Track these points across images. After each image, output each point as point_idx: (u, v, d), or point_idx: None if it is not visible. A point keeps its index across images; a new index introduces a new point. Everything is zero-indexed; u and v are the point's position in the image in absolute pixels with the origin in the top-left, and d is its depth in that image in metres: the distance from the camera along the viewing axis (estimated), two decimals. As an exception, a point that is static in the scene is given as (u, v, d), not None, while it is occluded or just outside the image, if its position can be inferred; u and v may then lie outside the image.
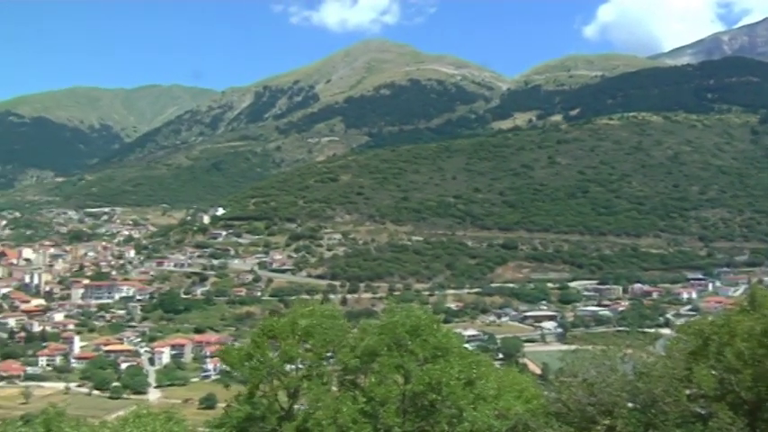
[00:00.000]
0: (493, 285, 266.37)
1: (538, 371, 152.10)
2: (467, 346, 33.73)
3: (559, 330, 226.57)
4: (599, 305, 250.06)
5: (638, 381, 24.91)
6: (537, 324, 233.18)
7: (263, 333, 30.19)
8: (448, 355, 27.33)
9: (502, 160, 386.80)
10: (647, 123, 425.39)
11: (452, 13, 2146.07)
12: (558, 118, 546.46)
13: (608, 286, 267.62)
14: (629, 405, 24.61)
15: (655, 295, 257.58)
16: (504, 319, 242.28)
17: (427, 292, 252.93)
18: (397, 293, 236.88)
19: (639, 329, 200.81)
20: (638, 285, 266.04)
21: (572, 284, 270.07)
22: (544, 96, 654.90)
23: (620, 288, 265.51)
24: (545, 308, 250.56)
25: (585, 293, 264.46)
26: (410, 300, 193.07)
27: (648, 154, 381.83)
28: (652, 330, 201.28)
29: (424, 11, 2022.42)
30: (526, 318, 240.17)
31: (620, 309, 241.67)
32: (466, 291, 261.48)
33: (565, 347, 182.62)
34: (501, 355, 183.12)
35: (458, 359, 27.21)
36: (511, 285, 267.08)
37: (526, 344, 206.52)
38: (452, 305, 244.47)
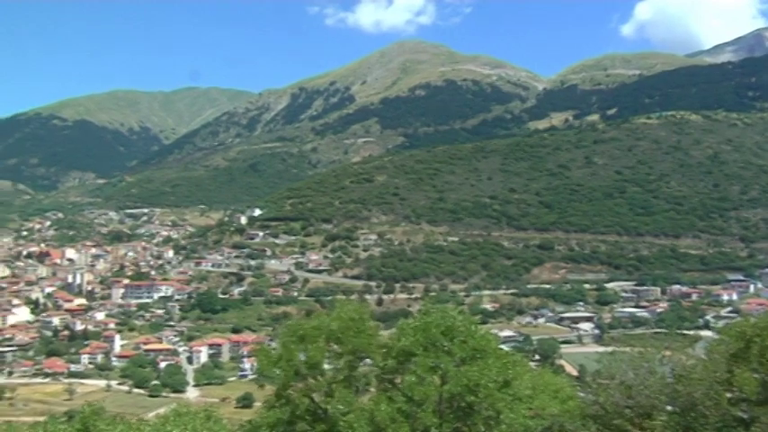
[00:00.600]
0: (529, 286, 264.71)
1: (574, 372, 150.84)
2: (502, 346, 33.39)
3: (596, 332, 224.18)
4: (637, 306, 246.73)
5: (678, 384, 24.55)
6: (573, 325, 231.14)
7: (291, 335, 30.39)
8: (485, 356, 27.17)
9: (538, 160, 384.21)
10: (686, 122, 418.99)
11: (488, 13, 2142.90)
12: (594, 117, 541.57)
13: (646, 287, 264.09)
14: (668, 408, 24.27)
15: (694, 297, 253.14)
16: (540, 320, 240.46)
17: (463, 293, 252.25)
18: (432, 294, 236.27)
19: (678, 331, 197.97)
20: (677, 287, 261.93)
21: (609, 285, 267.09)
22: (581, 96, 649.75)
23: (659, 289, 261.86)
24: (582, 309, 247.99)
25: (623, 295, 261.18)
26: (446, 301, 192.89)
27: (687, 153, 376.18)
28: (691, 332, 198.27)
29: (459, 11, 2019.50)
30: (563, 319, 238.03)
31: (659, 310, 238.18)
32: (502, 292, 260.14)
33: (602, 349, 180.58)
34: (537, 357, 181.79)
35: (494, 360, 27.05)
36: (547, 286, 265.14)
37: (563, 345, 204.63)
38: (488, 306, 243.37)
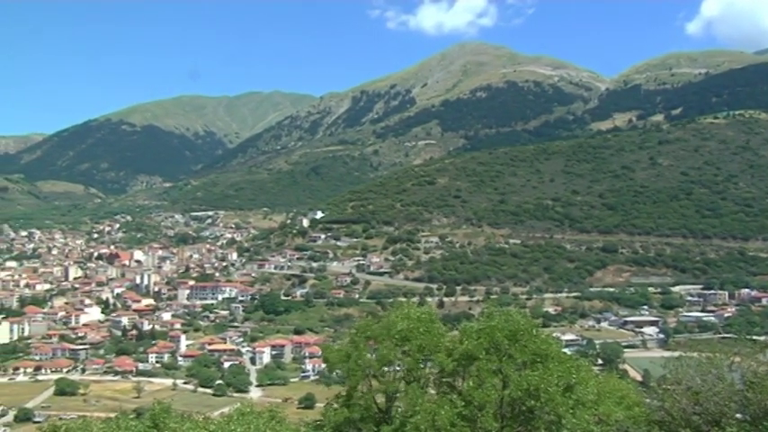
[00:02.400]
0: (592, 289, 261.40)
1: (639, 377, 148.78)
2: (565, 350, 33.04)
3: (661, 336, 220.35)
4: (703, 311, 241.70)
5: (749, 391, 23.84)
6: (638, 329, 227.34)
7: (360, 334, 30.47)
8: (547, 360, 26.81)
9: (601, 162, 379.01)
10: (755, 122, 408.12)
11: (551, 14, 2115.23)
12: (659, 118, 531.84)
13: (713, 291, 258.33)
14: (738, 416, 23.81)
15: (764, 301, 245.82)
16: (603, 323, 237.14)
17: (525, 296, 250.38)
18: (494, 297, 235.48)
19: (748, 337, 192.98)
20: (746, 291, 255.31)
21: (675, 289, 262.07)
22: (644, 96, 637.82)
23: (726, 293, 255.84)
24: (646, 313, 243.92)
25: (689, 298, 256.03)
26: (507, 303, 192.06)
27: (757, 153, 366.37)
28: (762, 338, 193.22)
29: (522, 12, 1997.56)
30: (627, 323, 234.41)
31: (727, 315, 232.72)
32: (564, 294, 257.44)
33: (667, 354, 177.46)
34: (600, 361, 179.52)
35: (557, 364, 26.60)
36: (611, 289, 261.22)
37: (626, 350, 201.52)
38: (550, 309, 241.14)
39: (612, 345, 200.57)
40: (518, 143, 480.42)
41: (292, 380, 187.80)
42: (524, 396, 25.49)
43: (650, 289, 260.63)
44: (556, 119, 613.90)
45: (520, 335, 27.24)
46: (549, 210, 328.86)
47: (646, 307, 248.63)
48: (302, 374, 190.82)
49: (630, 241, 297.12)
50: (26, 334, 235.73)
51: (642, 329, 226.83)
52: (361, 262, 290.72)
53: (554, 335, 30.27)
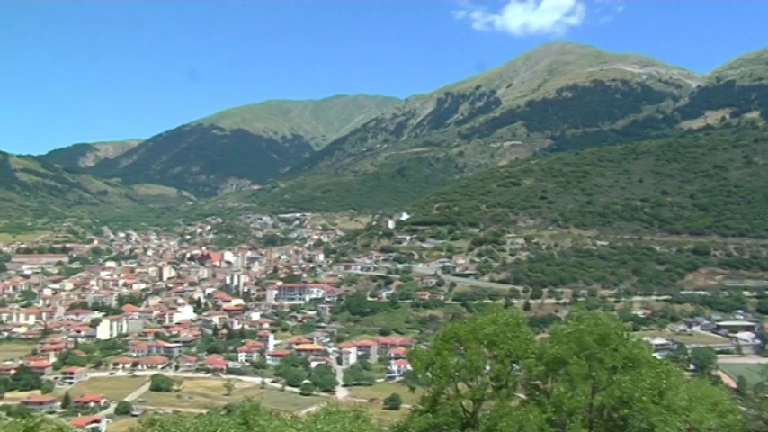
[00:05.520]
0: (683, 292, 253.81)
1: (733, 384, 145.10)
2: (655, 355, 31.87)
3: (757, 342, 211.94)
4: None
5: None
6: (732, 334, 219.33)
7: (446, 338, 30.28)
8: (638, 365, 26.28)
9: (692, 161, 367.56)
10: None
11: (642, 10, 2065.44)
12: (754, 115, 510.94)
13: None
14: None
15: None
16: (695, 328, 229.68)
17: (613, 299, 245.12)
18: (581, 300, 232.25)
19: None
20: None
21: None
22: (739, 92, 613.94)
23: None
24: (741, 317, 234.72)
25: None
26: (595, 306, 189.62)
27: None
28: None
29: (611, 10, 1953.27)
30: (720, 327, 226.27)
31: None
32: (654, 297, 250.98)
33: (764, 360, 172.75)
34: (692, 366, 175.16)
35: (648, 370, 26.11)
36: (703, 293, 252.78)
37: (720, 355, 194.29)
38: (639, 312, 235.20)
39: (705, 350, 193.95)
40: (605, 143, 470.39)
41: (378, 380, 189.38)
42: (616, 404, 25.35)
43: (745, 292, 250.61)
44: (644, 118, 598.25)
45: (610, 339, 26.94)
46: (638, 211, 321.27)
47: (740, 311, 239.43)
48: (388, 375, 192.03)
49: (723, 243, 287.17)
50: (124, 331, 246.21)
51: (737, 334, 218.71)
52: (447, 263, 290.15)
53: (643, 339, 29.34)
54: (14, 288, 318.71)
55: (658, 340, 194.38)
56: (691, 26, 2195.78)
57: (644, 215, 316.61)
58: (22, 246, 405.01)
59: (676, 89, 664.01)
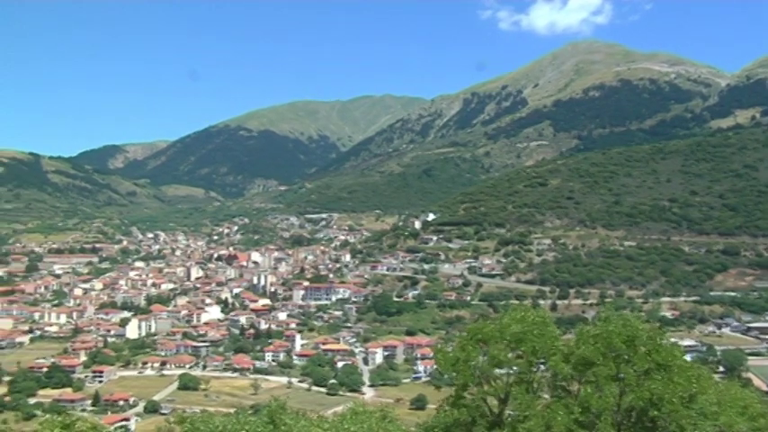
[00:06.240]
0: (712, 293, 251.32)
1: (764, 387, 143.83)
2: (685, 357, 30.81)
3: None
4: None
5: None
6: (763, 336, 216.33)
7: (471, 337, 30.09)
8: (669, 368, 25.81)
9: (722, 161, 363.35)
10: None
11: (670, 8, 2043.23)
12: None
13: None
14: None
15: None
16: (724, 329, 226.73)
17: (641, 300, 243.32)
18: (608, 300, 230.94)
19: None
20: None
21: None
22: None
23: None
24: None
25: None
26: (623, 307, 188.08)
27: None
28: None
29: (639, 8, 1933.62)
30: (750, 329, 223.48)
31: None
32: (682, 299, 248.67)
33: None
34: (721, 369, 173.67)
35: (678, 373, 25.67)
36: (732, 294, 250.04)
37: (750, 357, 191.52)
38: (667, 313, 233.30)
39: (735, 352, 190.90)
40: (633, 143, 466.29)
41: (404, 380, 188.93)
42: (646, 405, 25.08)
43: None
44: (673, 117, 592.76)
45: (639, 341, 26.55)
46: (666, 211, 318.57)
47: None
48: (414, 375, 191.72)
49: (753, 243, 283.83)
50: (152, 331, 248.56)
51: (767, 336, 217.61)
52: (473, 264, 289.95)
53: (672, 340, 28.90)
54: (46, 288, 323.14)
55: (687, 342, 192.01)
56: (720, 24, 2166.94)
57: (672, 215, 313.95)
58: (54, 246, 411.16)
59: (705, 88, 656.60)
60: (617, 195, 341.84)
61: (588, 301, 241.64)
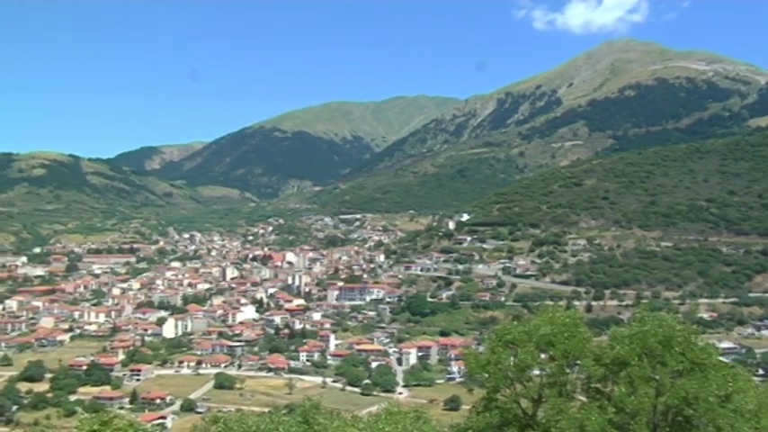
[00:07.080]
0: (751, 295, 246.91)
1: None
2: (721, 358, 30.51)
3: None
4: None
5: None
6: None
7: (499, 339, 30.11)
8: (704, 367, 25.91)
9: (761, 160, 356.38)
10: None
11: (708, 6, 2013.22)
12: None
13: None
14: None
15: None
16: (763, 331, 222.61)
17: (677, 301, 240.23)
18: (644, 301, 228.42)
19: None
20: None
21: None
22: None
23: None
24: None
25: None
26: (659, 308, 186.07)
27: None
28: None
29: (676, 6, 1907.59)
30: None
31: None
32: (720, 300, 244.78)
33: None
34: (761, 371, 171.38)
35: (714, 373, 25.68)
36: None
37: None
38: (705, 315, 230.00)
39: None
40: (669, 142, 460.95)
41: (438, 381, 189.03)
42: (681, 404, 25.09)
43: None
44: (710, 116, 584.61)
45: (674, 341, 26.51)
46: (704, 211, 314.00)
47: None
48: (448, 376, 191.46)
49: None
50: (189, 330, 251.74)
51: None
52: (507, 264, 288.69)
53: (709, 342, 28.49)
54: (85, 287, 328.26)
55: (725, 344, 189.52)
56: (759, 21, 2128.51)
57: (710, 215, 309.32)
58: (93, 246, 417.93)
59: (744, 86, 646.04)
60: (653, 195, 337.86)
61: (624, 303, 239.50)
